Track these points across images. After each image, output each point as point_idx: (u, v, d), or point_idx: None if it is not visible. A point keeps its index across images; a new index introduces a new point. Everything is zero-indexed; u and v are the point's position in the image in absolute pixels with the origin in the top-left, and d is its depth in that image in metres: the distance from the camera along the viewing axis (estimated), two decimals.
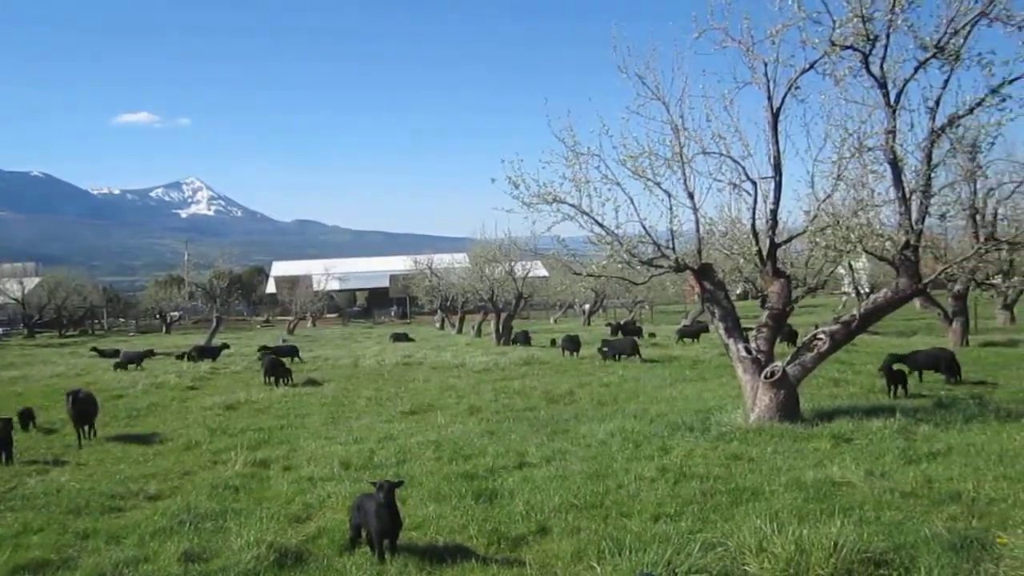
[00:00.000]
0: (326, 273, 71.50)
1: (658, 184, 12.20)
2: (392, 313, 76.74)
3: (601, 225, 12.25)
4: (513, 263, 34.53)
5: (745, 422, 11.66)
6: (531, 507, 7.88)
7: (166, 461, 11.36)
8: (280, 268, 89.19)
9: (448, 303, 49.76)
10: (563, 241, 13.14)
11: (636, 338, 28.95)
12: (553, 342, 30.38)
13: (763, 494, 8.05)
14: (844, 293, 42.45)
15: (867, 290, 37.11)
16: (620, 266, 12.62)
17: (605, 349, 24.08)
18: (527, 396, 16.61)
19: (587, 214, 12.20)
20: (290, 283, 71.60)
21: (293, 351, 28.43)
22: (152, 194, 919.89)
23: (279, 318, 70.65)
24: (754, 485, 8.38)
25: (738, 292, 49.80)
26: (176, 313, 66.35)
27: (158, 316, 65.40)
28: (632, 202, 12.27)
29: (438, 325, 55.47)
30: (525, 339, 33.68)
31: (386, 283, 79.09)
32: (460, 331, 47.06)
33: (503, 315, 35.01)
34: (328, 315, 73.23)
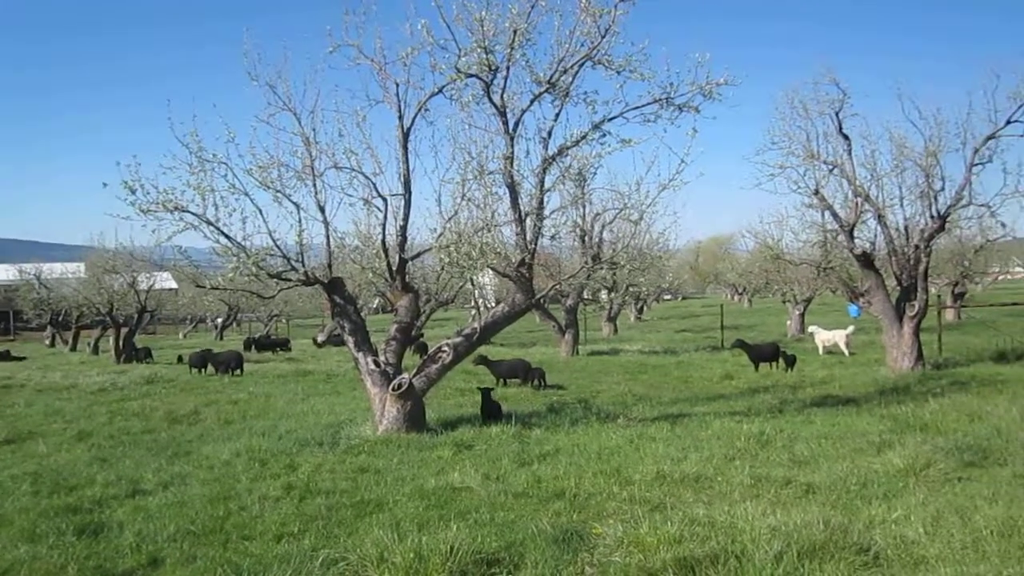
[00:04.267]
0: None
1: (288, 196, 12.01)
2: None
3: (227, 236, 11.74)
4: (136, 274, 32.08)
5: (374, 434, 11.81)
6: (143, 538, 7.28)
7: None
8: None
9: (60, 318, 45.03)
10: (185, 251, 12.44)
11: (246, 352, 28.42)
12: (180, 358, 28.75)
13: (387, 505, 8.18)
14: (473, 307, 44.98)
15: (493, 304, 39.55)
16: (248, 279, 12.20)
17: (214, 361, 24.14)
18: (147, 418, 15.47)
19: (212, 224, 11.62)
20: None
21: None
22: None
23: None
24: (379, 496, 8.48)
25: (373, 305, 50.50)
26: None
27: None
28: (261, 213, 11.93)
29: (48, 342, 49.92)
30: (148, 355, 31.52)
31: None
32: (74, 348, 42.82)
33: (124, 330, 32.37)
34: None
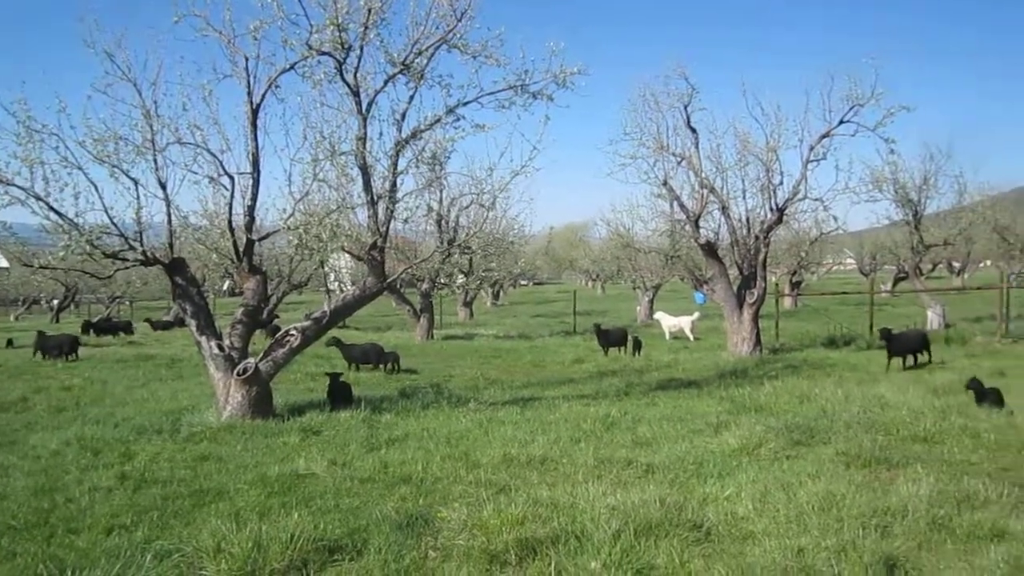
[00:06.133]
0: None
1: (125, 172, 11.39)
2: None
3: (58, 212, 11.02)
4: None
5: (217, 421, 11.42)
6: None
7: None
8: None
9: None
10: (10, 227, 11.61)
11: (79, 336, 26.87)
12: (10, 342, 26.97)
13: (228, 493, 7.92)
14: (329, 290, 44.34)
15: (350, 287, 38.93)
16: (81, 258, 11.51)
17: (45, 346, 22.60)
18: None
19: (41, 199, 10.86)
20: None
21: None
22: None
23: None
24: (219, 485, 8.21)
25: (224, 288, 48.83)
26: None
27: None
28: (96, 188, 11.24)
29: None
30: None
31: None
32: None
33: None
34: None
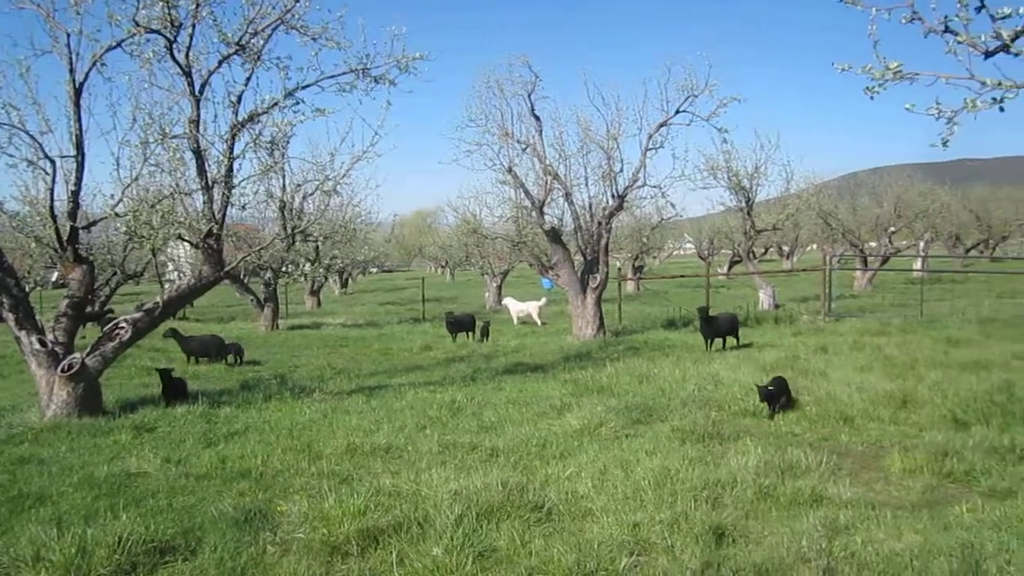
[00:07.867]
0: None
1: None
2: None
3: None
4: None
5: (40, 421, 10.72)
6: None
7: None
8: None
9: None
10: None
11: None
12: None
13: (51, 497, 7.45)
14: (162, 281, 42.23)
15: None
16: None
17: None
18: None
19: None
20: None
21: None
22: None
23: None
24: (41, 489, 7.70)
25: (53, 279, 45.88)
26: None
27: None
28: None
29: None
30: None
31: None
32: None
33: None
34: None
